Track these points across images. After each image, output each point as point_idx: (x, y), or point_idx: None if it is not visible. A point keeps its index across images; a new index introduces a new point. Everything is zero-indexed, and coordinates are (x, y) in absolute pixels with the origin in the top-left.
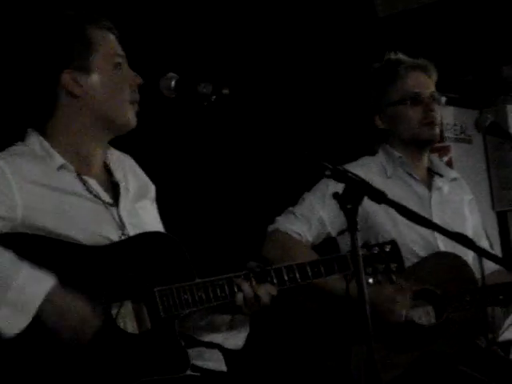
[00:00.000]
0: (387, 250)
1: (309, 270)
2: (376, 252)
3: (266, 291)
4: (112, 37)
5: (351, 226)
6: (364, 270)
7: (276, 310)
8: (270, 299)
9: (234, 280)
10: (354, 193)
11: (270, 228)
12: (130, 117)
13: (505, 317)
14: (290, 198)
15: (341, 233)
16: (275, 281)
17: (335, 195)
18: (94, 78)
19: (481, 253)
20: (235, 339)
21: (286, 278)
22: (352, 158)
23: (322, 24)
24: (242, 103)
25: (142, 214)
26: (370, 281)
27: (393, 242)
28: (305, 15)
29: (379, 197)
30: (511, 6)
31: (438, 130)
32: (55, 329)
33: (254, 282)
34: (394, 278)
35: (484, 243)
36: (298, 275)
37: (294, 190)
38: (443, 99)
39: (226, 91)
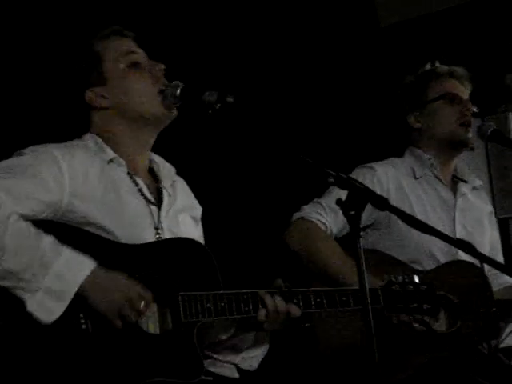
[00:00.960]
0: (422, 289)
1: (337, 299)
2: (410, 290)
3: (290, 311)
4: (119, 40)
5: (354, 232)
6: (395, 305)
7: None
8: (292, 319)
9: (259, 294)
10: (357, 199)
11: (296, 215)
12: (160, 107)
13: (506, 323)
14: (301, 202)
15: (364, 229)
16: (301, 303)
17: (338, 202)
18: (113, 86)
19: (482, 259)
20: (251, 361)
21: (312, 302)
22: (375, 159)
23: (324, 33)
24: (247, 111)
25: (183, 226)
26: (394, 321)
27: (429, 284)
28: (308, 24)
29: (382, 203)
30: None
31: (471, 135)
32: (98, 307)
33: (278, 300)
34: (427, 320)
35: (500, 258)
36: (325, 301)
37: (303, 197)
38: (476, 109)
39: (230, 99)
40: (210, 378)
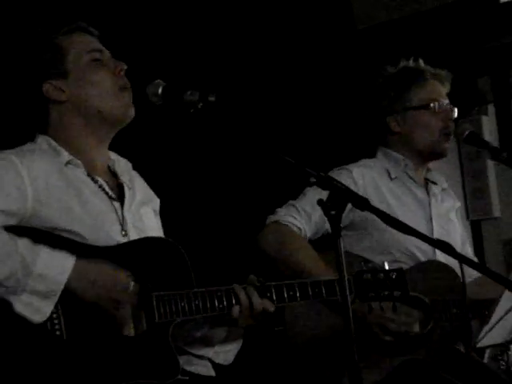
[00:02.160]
0: (393, 277)
1: (310, 290)
2: (381, 278)
3: (263, 306)
4: (84, 36)
5: (335, 232)
6: (367, 294)
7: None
8: (266, 314)
9: (232, 290)
10: (338, 200)
11: (270, 219)
12: (120, 104)
13: (483, 323)
14: (280, 201)
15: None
16: (274, 297)
17: (320, 202)
18: (73, 79)
19: (462, 260)
20: (226, 355)
21: (285, 295)
22: (344, 159)
23: (302, 34)
24: (229, 110)
25: (146, 220)
26: (373, 306)
27: (399, 270)
28: (286, 26)
29: (363, 204)
30: (485, 19)
31: (449, 144)
32: (86, 297)
33: (252, 296)
34: (397, 305)
35: (468, 249)
36: (298, 294)
37: (287, 195)
38: (456, 112)
39: (212, 98)
40: (186, 378)
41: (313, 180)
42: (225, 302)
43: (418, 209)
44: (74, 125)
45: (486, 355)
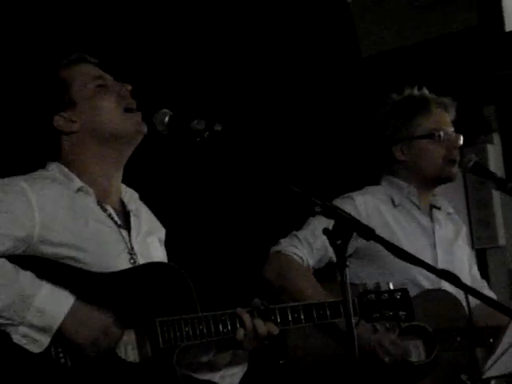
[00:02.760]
0: (397, 297)
1: (314, 312)
2: (385, 298)
3: (268, 329)
4: (84, 66)
5: (340, 262)
6: (371, 314)
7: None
8: (270, 337)
9: (236, 314)
10: (344, 229)
11: (273, 249)
12: (128, 124)
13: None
14: (287, 229)
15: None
16: (279, 320)
17: (325, 231)
18: (81, 108)
19: (467, 291)
20: (231, 378)
21: (290, 318)
22: (350, 187)
23: (307, 62)
24: (235, 139)
25: (152, 249)
26: (378, 327)
27: (404, 290)
28: (291, 54)
29: (368, 233)
30: (491, 48)
31: (457, 169)
32: (75, 339)
33: (256, 319)
34: (402, 325)
35: (476, 272)
36: (302, 316)
37: (293, 224)
38: (461, 139)
39: (218, 128)
40: None
41: (318, 209)
42: (229, 326)
43: (422, 235)
44: (88, 151)
45: None
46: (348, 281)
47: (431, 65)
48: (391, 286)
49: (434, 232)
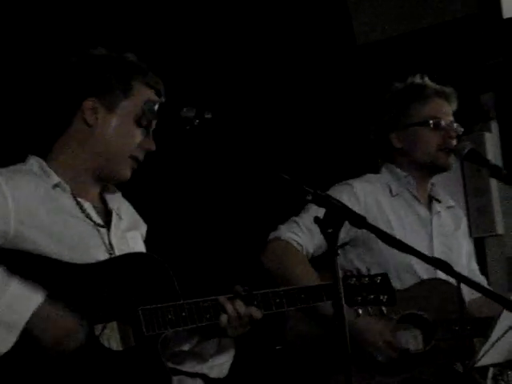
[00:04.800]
0: (378, 281)
1: (296, 297)
2: (366, 282)
3: (251, 314)
4: (153, 99)
5: (331, 250)
6: (353, 298)
7: (263, 332)
8: (254, 322)
9: (218, 300)
10: (335, 218)
11: (272, 235)
12: (123, 169)
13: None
14: (278, 219)
15: (342, 246)
16: (261, 305)
17: (316, 219)
18: (112, 118)
19: (460, 279)
20: (220, 368)
21: (272, 302)
22: (352, 174)
23: (302, 50)
24: (226, 127)
25: (132, 243)
26: (360, 312)
27: (384, 275)
28: (285, 42)
29: (360, 222)
30: (489, 35)
31: (453, 159)
32: (39, 339)
33: (238, 304)
34: (384, 309)
35: (475, 266)
36: (284, 301)
37: (281, 211)
38: (461, 130)
39: (208, 115)
40: None
41: (309, 198)
42: (212, 312)
43: (420, 226)
44: (82, 149)
45: (490, 375)
46: (339, 269)
47: (429, 52)
48: (371, 271)
49: (431, 223)
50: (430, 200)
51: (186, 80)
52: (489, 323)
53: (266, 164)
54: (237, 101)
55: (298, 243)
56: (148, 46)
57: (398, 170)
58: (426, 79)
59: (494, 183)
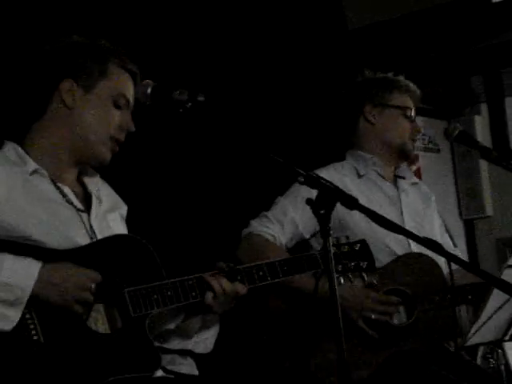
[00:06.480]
0: (357, 248)
1: (278, 269)
2: (345, 250)
3: (236, 290)
4: (130, 82)
5: (324, 231)
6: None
7: (246, 309)
8: (239, 298)
9: (203, 277)
10: (327, 199)
11: (245, 231)
12: (103, 151)
13: (471, 322)
14: (264, 203)
15: (314, 235)
16: (245, 279)
17: (308, 201)
18: (91, 99)
19: (449, 257)
20: (205, 343)
21: (255, 276)
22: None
23: (293, 34)
24: (218, 110)
25: (113, 225)
26: (342, 281)
27: (362, 241)
28: (276, 26)
29: (351, 203)
30: (478, 19)
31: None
32: (53, 302)
33: (223, 281)
34: (364, 275)
35: (448, 239)
36: (267, 273)
37: (268, 195)
38: (421, 129)
39: (201, 98)
40: (172, 376)
41: (301, 179)
42: (197, 290)
43: (389, 204)
44: (60, 130)
45: (480, 353)
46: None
47: (418, 37)
48: (349, 239)
49: (400, 201)
50: (395, 178)
51: (177, 63)
52: (468, 290)
53: (258, 146)
54: (229, 85)
55: (271, 234)
56: (140, 30)
57: (363, 153)
58: (401, 77)
59: (483, 165)
